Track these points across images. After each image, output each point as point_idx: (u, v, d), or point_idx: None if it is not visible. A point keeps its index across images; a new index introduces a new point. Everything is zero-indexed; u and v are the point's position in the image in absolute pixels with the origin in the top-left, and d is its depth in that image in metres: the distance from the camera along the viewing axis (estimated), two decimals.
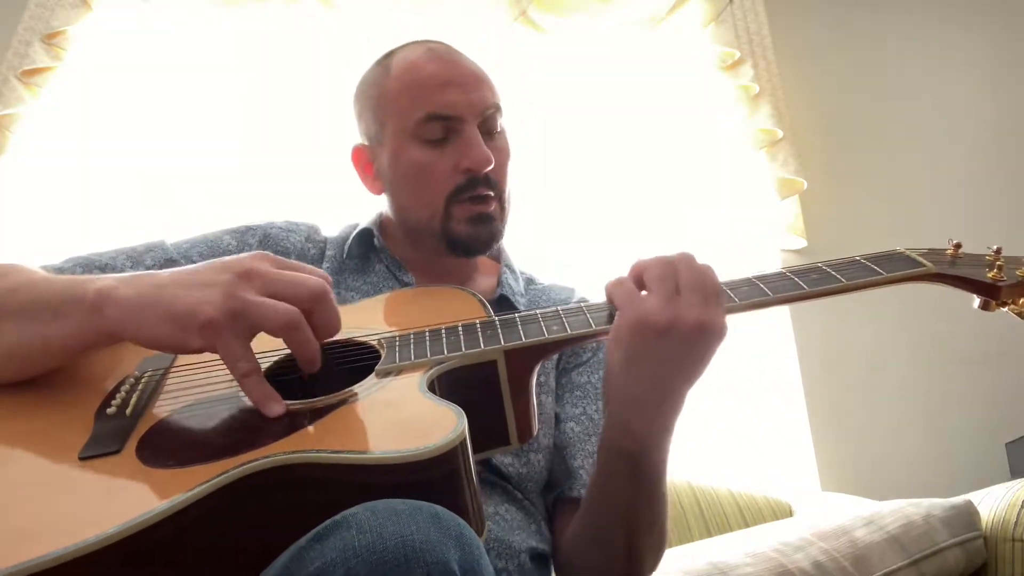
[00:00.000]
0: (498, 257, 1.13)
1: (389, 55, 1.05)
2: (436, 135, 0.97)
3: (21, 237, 1.86)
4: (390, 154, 1.01)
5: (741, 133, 2.14)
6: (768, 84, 2.13)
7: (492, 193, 0.99)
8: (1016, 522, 1.27)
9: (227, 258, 0.69)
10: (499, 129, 1.01)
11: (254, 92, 2.07)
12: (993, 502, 1.34)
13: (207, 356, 0.68)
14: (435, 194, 0.99)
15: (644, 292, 0.75)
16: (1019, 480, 1.37)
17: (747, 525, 1.64)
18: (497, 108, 1.00)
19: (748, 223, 2.18)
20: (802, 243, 2.12)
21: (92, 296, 0.68)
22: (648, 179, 2.22)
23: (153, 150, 2.00)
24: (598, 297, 0.81)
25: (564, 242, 2.10)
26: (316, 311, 0.68)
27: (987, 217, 2.25)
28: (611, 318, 0.77)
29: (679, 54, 2.22)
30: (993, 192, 2.30)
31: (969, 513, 1.33)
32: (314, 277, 0.69)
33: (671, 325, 0.71)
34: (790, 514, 1.72)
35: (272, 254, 0.71)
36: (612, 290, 0.77)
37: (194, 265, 0.70)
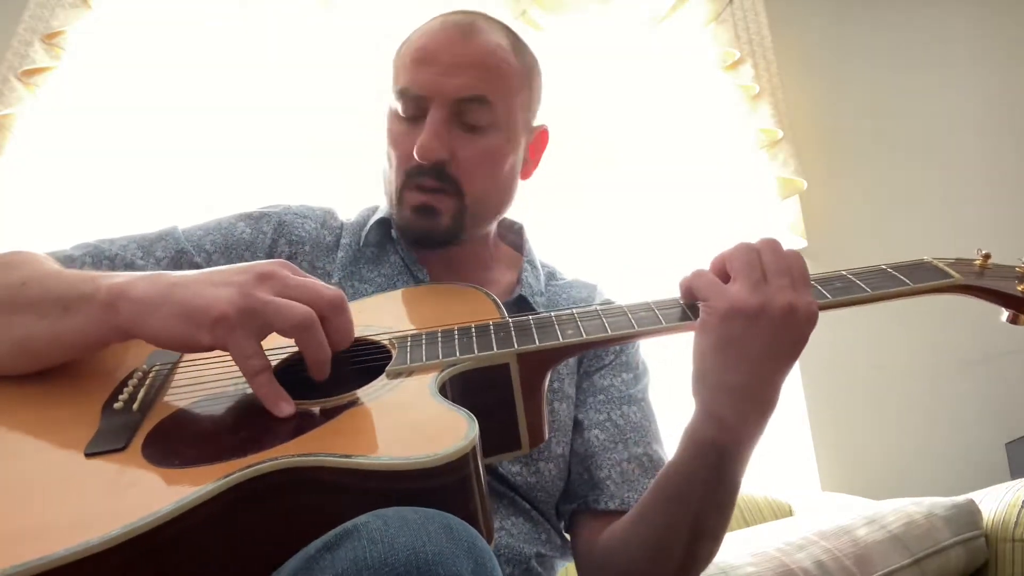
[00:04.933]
0: (521, 248, 1.10)
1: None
2: (410, 111, 0.92)
3: (20, 237, 1.85)
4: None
5: (741, 133, 2.14)
6: (768, 84, 2.13)
7: (444, 186, 0.92)
8: (1016, 522, 1.27)
9: (247, 263, 0.69)
10: (482, 124, 0.92)
11: (254, 91, 2.06)
12: (994, 502, 1.34)
13: (216, 351, 0.68)
14: (394, 173, 0.95)
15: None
16: (1019, 480, 1.37)
17: (747, 525, 1.64)
18: (480, 100, 0.91)
19: (748, 223, 2.18)
20: (802, 243, 2.12)
21: (104, 293, 0.68)
22: (648, 179, 2.22)
23: (153, 150, 2.00)
24: (620, 294, 0.79)
25: (563, 241, 2.10)
26: (331, 319, 0.67)
27: (988, 216, 2.24)
28: (685, 314, 0.76)
29: (679, 54, 2.22)
30: (994, 191, 2.30)
31: (971, 512, 1.33)
32: (331, 287, 0.68)
33: (761, 310, 0.71)
34: (790, 514, 1.72)
35: (292, 264, 0.70)
36: (693, 282, 0.76)
37: (213, 268, 0.69)
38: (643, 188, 2.21)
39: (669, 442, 0.97)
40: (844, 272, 0.80)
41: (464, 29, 0.94)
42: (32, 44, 1.78)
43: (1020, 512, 1.28)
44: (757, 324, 0.71)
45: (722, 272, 0.76)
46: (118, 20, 1.94)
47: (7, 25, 1.79)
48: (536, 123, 1.04)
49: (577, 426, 0.97)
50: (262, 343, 0.66)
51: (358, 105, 1.96)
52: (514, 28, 2.01)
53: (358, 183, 1.84)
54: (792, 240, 2.12)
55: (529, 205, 2.03)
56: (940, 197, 2.28)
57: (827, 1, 2.34)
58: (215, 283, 0.66)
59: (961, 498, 1.37)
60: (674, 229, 2.18)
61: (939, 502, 1.35)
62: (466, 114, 0.92)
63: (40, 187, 1.90)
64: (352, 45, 2.04)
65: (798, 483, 2.04)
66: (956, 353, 2.18)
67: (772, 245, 0.76)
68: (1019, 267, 0.79)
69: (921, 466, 2.10)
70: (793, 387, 2.13)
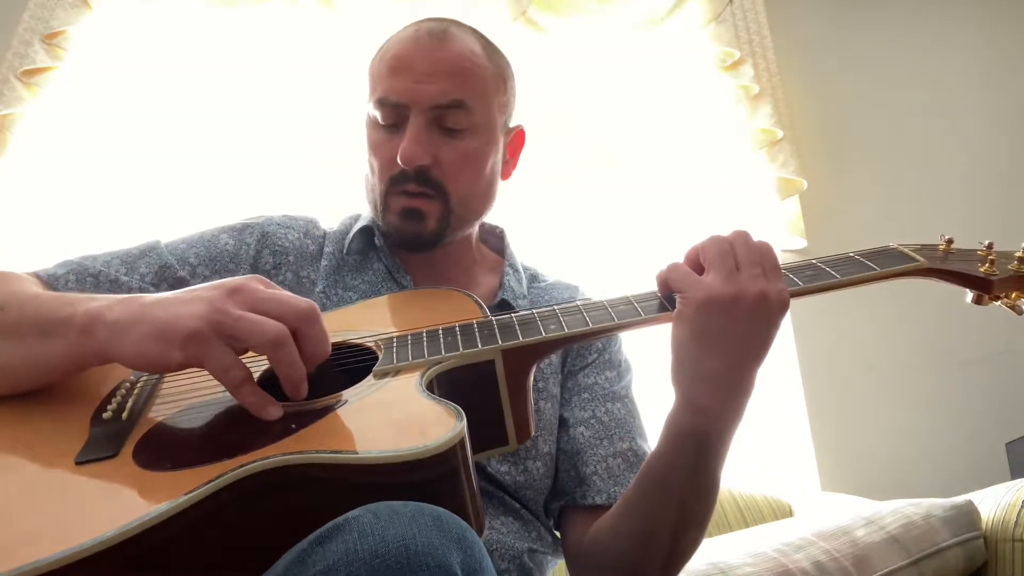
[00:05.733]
0: (502, 252, 1.11)
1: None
2: (389, 120, 0.94)
3: (21, 237, 1.86)
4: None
5: (741, 133, 2.14)
6: (768, 84, 2.13)
7: (428, 191, 0.94)
8: (1016, 522, 1.27)
9: (218, 280, 0.68)
10: (461, 127, 0.94)
11: (254, 91, 2.07)
12: (993, 502, 1.34)
13: None
14: (377, 180, 0.97)
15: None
16: (1019, 480, 1.37)
17: (747, 525, 1.64)
18: (459, 104, 0.93)
19: (748, 223, 2.17)
20: (802, 243, 2.12)
21: (81, 318, 0.67)
22: (648, 179, 2.21)
23: (153, 150, 2.00)
24: (601, 295, 0.81)
25: (563, 241, 2.10)
26: (304, 332, 0.66)
27: (988, 216, 2.24)
28: (663, 306, 0.78)
29: (679, 54, 2.21)
30: (993, 191, 2.30)
31: (969, 513, 1.33)
32: (303, 299, 0.68)
33: (735, 298, 0.73)
34: (790, 514, 1.72)
35: (265, 279, 0.70)
36: (668, 274, 0.78)
37: (189, 287, 0.69)
38: (643, 188, 2.21)
39: (653, 438, 0.98)
40: (814, 260, 0.82)
41: (437, 36, 0.96)
42: (32, 44, 1.78)
43: (1020, 512, 1.28)
44: (732, 312, 0.73)
45: (696, 264, 0.78)
46: (118, 20, 1.94)
47: (7, 25, 1.79)
48: (513, 124, 1.06)
49: (563, 424, 0.98)
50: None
51: (358, 105, 1.96)
52: (514, 28, 2.04)
53: (358, 183, 1.84)
54: (792, 240, 2.13)
55: (529, 205, 2.04)
56: (940, 196, 2.27)
57: (827, 1, 2.34)
58: (186, 300, 0.65)
59: (959, 499, 1.37)
60: (674, 229, 2.18)
61: (937, 503, 1.35)
62: (445, 119, 0.94)
63: (40, 187, 1.90)
64: (352, 45, 2.03)
65: (798, 483, 2.04)
66: (956, 353, 2.17)
67: (743, 236, 0.78)
68: (980, 251, 0.82)
69: (921, 466, 2.09)
70: (793, 387, 2.13)
